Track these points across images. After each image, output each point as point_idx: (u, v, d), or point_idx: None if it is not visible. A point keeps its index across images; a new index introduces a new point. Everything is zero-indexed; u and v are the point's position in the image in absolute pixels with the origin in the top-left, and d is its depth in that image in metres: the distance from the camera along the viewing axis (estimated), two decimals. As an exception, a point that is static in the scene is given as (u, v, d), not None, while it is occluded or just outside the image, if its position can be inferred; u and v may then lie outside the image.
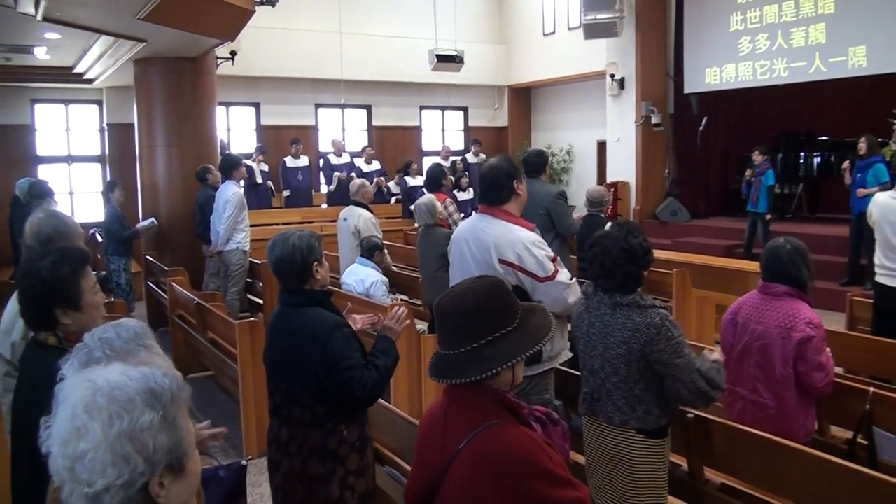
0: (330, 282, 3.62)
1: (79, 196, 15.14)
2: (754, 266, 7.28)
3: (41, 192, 7.37)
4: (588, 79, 15.73)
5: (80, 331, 2.56)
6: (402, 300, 7.30)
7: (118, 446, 1.44)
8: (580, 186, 15.11)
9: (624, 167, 14.76)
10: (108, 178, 13.82)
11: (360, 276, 7.10)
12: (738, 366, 3.98)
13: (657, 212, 14.52)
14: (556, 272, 3.81)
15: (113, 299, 8.30)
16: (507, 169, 4.00)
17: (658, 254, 8.85)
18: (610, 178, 14.98)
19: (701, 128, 14.25)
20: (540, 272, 3.78)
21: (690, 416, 3.54)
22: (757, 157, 11.69)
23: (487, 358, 2.18)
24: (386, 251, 7.64)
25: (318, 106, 16.28)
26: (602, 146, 15.86)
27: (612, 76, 14.68)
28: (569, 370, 4.28)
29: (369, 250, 7.27)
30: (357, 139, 16.59)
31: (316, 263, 3.43)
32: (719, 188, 14.85)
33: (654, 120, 14.31)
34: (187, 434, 1.57)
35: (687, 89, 14.26)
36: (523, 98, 18.27)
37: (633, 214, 14.57)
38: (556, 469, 2.09)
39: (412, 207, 7.30)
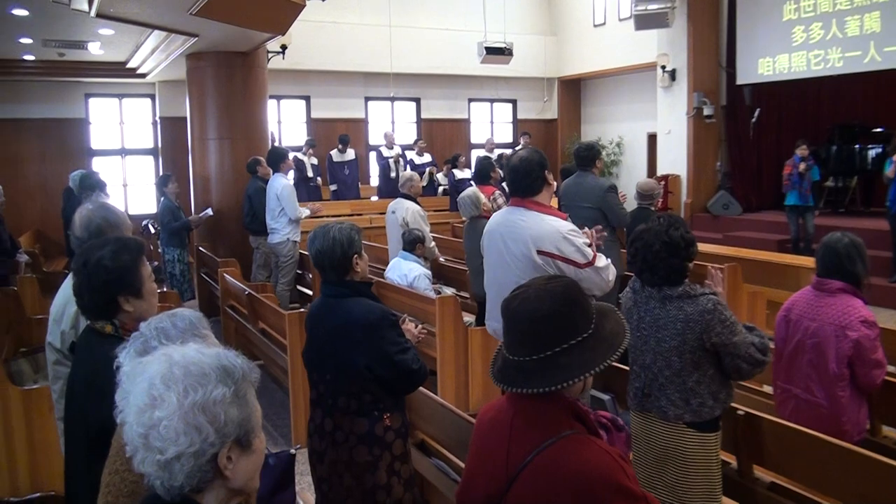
0: (376, 275, 3.66)
1: (132, 188, 15.41)
2: (807, 261, 7.17)
3: (93, 184, 7.51)
4: (639, 70, 15.58)
5: (137, 319, 2.63)
6: (450, 292, 7.31)
7: (191, 416, 1.52)
8: (630, 179, 15.00)
9: (675, 160, 14.60)
10: (161, 171, 14.08)
11: (404, 271, 7.13)
12: (791, 363, 3.94)
13: (708, 205, 14.34)
14: (595, 256, 3.84)
15: (165, 289, 8.44)
16: (538, 160, 4.00)
17: (709, 248, 8.79)
18: (660, 171, 14.83)
19: (753, 120, 14.05)
20: (580, 258, 3.80)
21: (741, 412, 3.51)
22: (802, 151, 11.52)
23: (563, 367, 2.04)
24: (433, 244, 7.67)
25: (367, 99, 16.35)
26: (653, 138, 15.70)
27: (664, 67, 14.52)
28: (617, 364, 4.26)
29: (410, 243, 7.30)
30: (406, 132, 16.64)
31: (356, 256, 3.46)
32: (772, 181, 14.59)
33: (706, 112, 14.11)
34: (256, 412, 1.65)
35: (739, 80, 14.05)
36: (573, 90, 18.15)
37: (683, 208, 14.42)
38: (632, 486, 1.97)
39: (457, 200, 7.31)
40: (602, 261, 3.88)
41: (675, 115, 14.51)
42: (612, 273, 3.88)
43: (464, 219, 7.29)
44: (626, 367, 3.72)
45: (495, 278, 4.17)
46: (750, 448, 3.53)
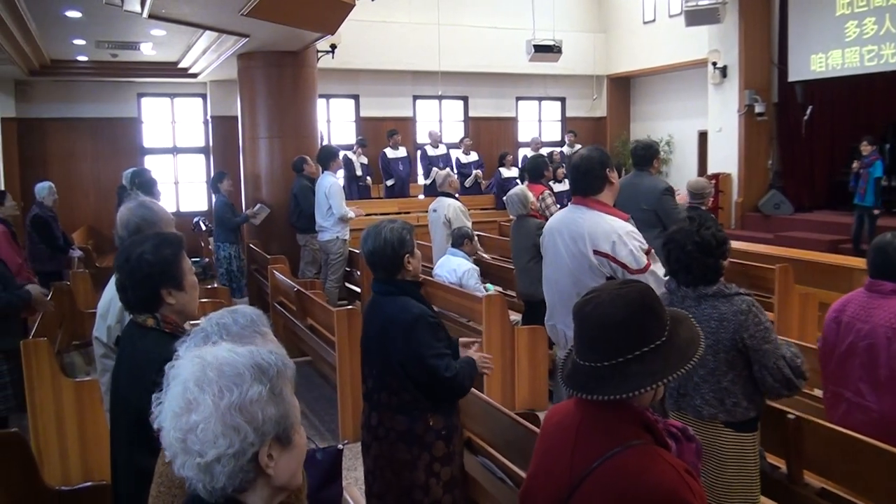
0: (423, 273, 3.69)
1: (184, 186, 15.63)
2: (860, 263, 7.03)
3: (144, 182, 7.64)
4: (689, 67, 15.40)
5: (179, 313, 2.70)
6: (497, 291, 7.31)
7: (229, 417, 1.50)
8: (681, 178, 14.82)
9: (726, 158, 14.42)
10: (212, 169, 14.27)
11: (452, 266, 7.16)
12: (842, 366, 3.87)
13: (759, 205, 14.14)
14: (649, 264, 3.79)
15: (216, 285, 8.57)
16: (599, 158, 3.98)
17: (759, 248, 8.67)
18: (711, 170, 14.65)
19: (806, 117, 13.80)
20: (633, 264, 3.77)
21: (791, 416, 3.47)
22: (865, 148, 11.28)
23: (635, 375, 1.99)
24: (475, 240, 7.69)
25: (415, 97, 16.40)
26: (703, 137, 15.51)
27: (714, 64, 14.34)
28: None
29: (459, 238, 7.33)
30: (454, 130, 16.64)
31: (408, 255, 3.49)
32: (824, 180, 14.34)
33: (758, 109, 13.91)
34: (293, 408, 1.63)
35: (791, 77, 13.81)
36: (622, 88, 18.00)
37: (734, 207, 14.24)
38: (695, 502, 1.92)
39: (504, 198, 7.31)
40: (658, 269, 3.82)
41: (726, 113, 14.32)
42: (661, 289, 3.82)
43: (511, 217, 7.28)
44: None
45: (553, 277, 4.17)
46: (799, 452, 3.48)
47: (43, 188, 9.33)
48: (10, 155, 12.77)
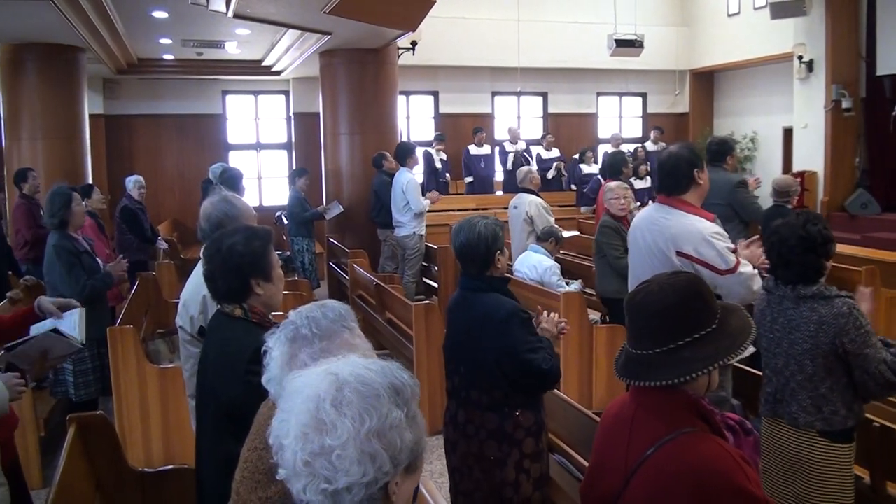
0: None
1: (266, 181, 15.92)
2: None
3: (230, 177, 7.82)
4: (774, 61, 15.00)
5: (266, 304, 2.75)
6: (580, 288, 7.25)
7: (367, 444, 1.39)
8: (765, 176, 14.43)
9: (811, 155, 14.00)
10: (294, 165, 14.52)
11: (533, 262, 7.13)
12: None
13: (846, 204, 13.70)
14: (738, 263, 3.71)
15: (297, 278, 8.72)
16: (688, 157, 3.88)
17: (845, 249, 8.39)
18: (796, 168, 14.24)
19: (894, 113, 13.34)
20: (721, 264, 3.68)
21: (876, 425, 3.36)
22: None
23: (686, 361, 2.02)
24: (560, 242, 7.66)
25: (494, 94, 16.36)
26: (788, 133, 15.09)
27: (800, 58, 13.92)
28: (748, 368, 4.14)
29: (545, 236, 7.30)
30: (533, 127, 16.57)
31: (498, 252, 3.49)
32: (914, 179, 13.86)
33: (845, 105, 13.45)
34: (425, 431, 1.53)
35: (880, 71, 13.30)
36: (705, 83, 17.64)
37: (819, 206, 13.81)
38: (752, 488, 1.92)
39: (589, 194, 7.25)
40: (747, 268, 3.75)
41: (812, 109, 13.90)
42: (757, 283, 3.71)
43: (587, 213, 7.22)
44: (757, 372, 3.62)
45: (636, 277, 4.12)
46: (884, 463, 3.36)
47: (131, 181, 9.62)
48: (98, 150, 13.17)
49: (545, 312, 3.72)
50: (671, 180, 3.89)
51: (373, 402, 1.42)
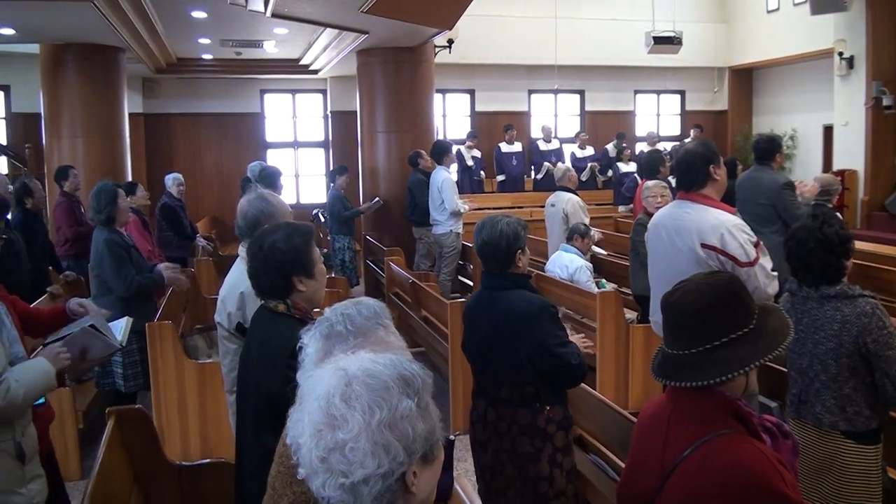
0: (536, 268, 3.68)
1: (304, 179, 16.03)
2: None
3: (268, 175, 7.88)
4: (814, 58, 14.78)
5: (308, 300, 2.78)
6: (612, 288, 7.21)
7: (379, 436, 1.41)
8: (805, 174, 14.28)
9: (852, 154, 13.76)
10: (332, 163, 14.60)
11: (564, 262, 7.11)
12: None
13: (886, 203, 13.45)
14: (757, 257, 3.71)
15: (334, 275, 8.77)
16: (703, 154, 3.90)
17: (885, 250, 8.24)
18: (836, 166, 14.02)
19: (938, 110, 13.10)
20: (743, 256, 3.69)
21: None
22: None
23: (722, 361, 2.01)
24: (592, 234, 7.62)
25: (531, 92, 16.32)
26: (828, 131, 14.88)
27: (840, 54, 13.71)
28: (781, 368, 4.10)
29: (570, 234, 7.28)
30: (569, 125, 16.49)
31: (519, 251, 3.51)
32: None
33: (886, 102, 13.20)
34: (439, 420, 1.54)
35: (921, 68, 13.11)
36: (744, 80, 17.43)
37: (860, 205, 13.60)
38: (788, 492, 1.90)
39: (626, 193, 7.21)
40: (766, 262, 3.75)
41: (853, 106, 13.67)
42: (773, 284, 3.74)
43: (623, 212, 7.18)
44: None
45: (659, 272, 4.11)
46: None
47: (170, 178, 9.75)
48: (138, 148, 13.34)
49: (574, 336, 3.74)
50: (688, 177, 3.92)
51: (382, 394, 1.44)
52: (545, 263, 7.69)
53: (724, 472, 1.92)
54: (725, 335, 2.03)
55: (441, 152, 9.67)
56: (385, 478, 1.41)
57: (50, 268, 7.39)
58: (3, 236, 3.10)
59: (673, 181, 10.70)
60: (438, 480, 3.11)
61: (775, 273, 3.78)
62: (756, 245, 3.75)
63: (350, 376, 1.47)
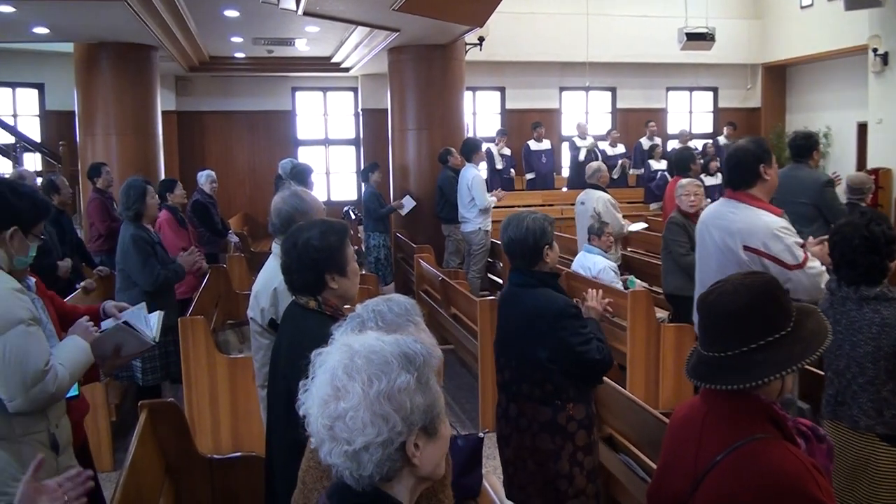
0: (565, 265, 3.67)
1: (335, 176, 16.09)
2: None
3: (299, 172, 7.92)
4: (848, 54, 14.57)
5: (340, 297, 2.79)
6: (642, 286, 7.16)
7: (377, 406, 1.52)
8: (840, 173, 14.13)
9: (886, 152, 13.51)
10: (363, 161, 14.64)
11: (588, 263, 7.07)
12: None
13: (921, 203, 13.29)
14: (806, 258, 3.65)
15: (365, 272, 8.80)
16: (754, 151, 3.83)
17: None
18: (871, 164, 13.82)
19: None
20: (790, 259, 3.63)
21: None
22: None
23: (759, 364, 1.97)
24: (626, 227, 7.59)
25: (562, 89, 16.25)
26: (862, 128, 14.67)
27: (875, 51, 13.49)
28: (818, 371, 4.05)
29: (589, 235, 7.25)
30: (600, 122, 16.40)
31: (547, 247, 3.50)
32: None
33: (921, 99, 13.05)
34: (439, 397, 1.64)
35: (958, 63, 12.88)
36: (778, 76, 17.24)
37: (894, 206, 13.42)
38: (823, 498, 1.87)
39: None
40: (815, 264, 3.68)
41: (888, 103, 13.44)
42: (824, 279, 3.65)
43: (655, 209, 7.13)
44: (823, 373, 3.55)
45: (702, 272, 4.08)
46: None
47: (203, 175, 9.84)
48: (171, 146, 13.46)
49: (589, 291, 3.74)
50: (736, 175, 3.86)
51: (381, 368, 1.55)
52: (573, 261, 7.66)
53: (759, 477, 1.89)
54: (762, 338, 1.99)
55: (470, 150, 9.68)
56: (384, 446, 1.52)
57: (83, 263, 7.47)
58: (42, 236, 3.13)
59: (706, 179, 10.66)
60: (467, 478, 3.13)
61: (823, 268, 3.71)
62: (802, 246, 3.70)
63: (354, 351, 1.58)
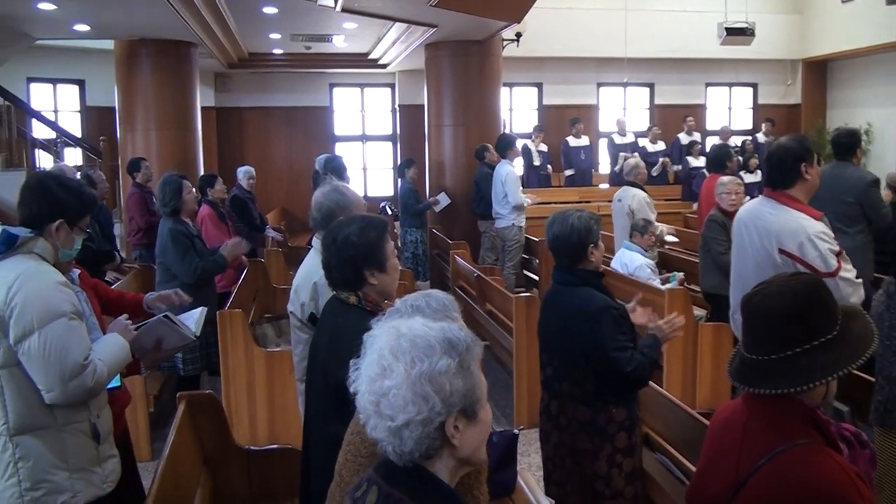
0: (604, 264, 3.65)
1: (371, 172, 16.15)
2: None
3: (335, 167, 7.98)
4: (890, 49, 14.31)
5: (380, 293, 2.81)
6: (680, 279, 7.10)
7: (418, 386, 1.59)
8: (880, 170, 13.76)
9: (930, 149, 13.35)
10: (399, 157, 14.68)
11: (625, 260, 7.04)
12: None
13: (967, 201, 13.02)
14: (839, 268, 3.56)
15: (401, 268, 8.83)
16: (796, 150, 3.77)
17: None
18: (913, 161, 13.63)
19: None
20: (822, 266, 3.54)
21: None
22: None
23: (804, 369, 1.93)
24: (660, 229, 7.52)
25: (599, 85, 16.14)
26: (906, 125, 14.46)
27: (918, 46, 13.30)
28: (860, 373, 3.99)
29: (631, 231, 7.21)
30: (638, 118, 16.27)
31: (592, 246, 3.47)
32: None
33: (967, 95, 12.79)
34: (481, 383, 1.70)
35: None
36: (818, 72, 16.98)
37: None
38: None
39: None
40: (848, 273, 3.60)
41: (931, 99, 13.25)
42: (857, 293, 3.58)
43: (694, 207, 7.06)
44: (870, 378, 3.48)
45: (738, 271, 4.04)
46: None
47: (241, 171, 9.94)
48: (210, 141, 13.60)
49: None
50: (776, 173, 3.79)
51: (424, 350, 1.63)
52: (610, 259, 7.63)
53: (801, 484, 1.87)
54: (808, 342, 1.95)
55: (505, 146, 9.68)
56: (424, 424, 1.60)
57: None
58: (87, 229, 3.19)
59: (745, 176, 10.52)
60: (502, 474, 3.14)
61: (859, 280, 3.63)
62: (838, 254, 3.61)
63: (400, 334, 1.67)
